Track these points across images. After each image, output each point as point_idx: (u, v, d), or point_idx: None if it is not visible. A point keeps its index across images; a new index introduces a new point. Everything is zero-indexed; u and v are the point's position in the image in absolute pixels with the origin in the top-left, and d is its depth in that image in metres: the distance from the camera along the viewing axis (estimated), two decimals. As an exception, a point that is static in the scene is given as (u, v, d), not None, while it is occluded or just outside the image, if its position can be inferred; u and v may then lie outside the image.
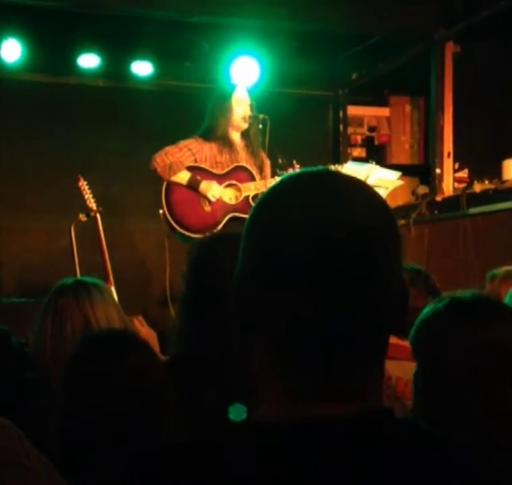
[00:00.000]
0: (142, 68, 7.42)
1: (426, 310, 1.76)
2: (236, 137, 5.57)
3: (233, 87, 5.63)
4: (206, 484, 0.97)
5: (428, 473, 0.97)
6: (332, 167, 5.39)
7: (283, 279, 1.00)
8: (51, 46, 7.23)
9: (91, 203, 5.72)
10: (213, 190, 5.41)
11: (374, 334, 1.04)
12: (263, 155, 5.60)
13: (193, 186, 5.41)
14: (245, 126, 5.52)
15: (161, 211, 5.40)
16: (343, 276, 0.99)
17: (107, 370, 1.93)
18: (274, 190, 1.06)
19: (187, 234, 5.33)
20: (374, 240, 1.01)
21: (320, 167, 1.09)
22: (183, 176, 5.41)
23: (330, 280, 0.98)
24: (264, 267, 1.02)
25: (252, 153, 5.58)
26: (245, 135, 5.59)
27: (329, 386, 1.01)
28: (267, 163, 5.62)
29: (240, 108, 5.49)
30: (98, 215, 5.67)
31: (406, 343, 2.88)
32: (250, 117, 5.50)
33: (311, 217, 1.00)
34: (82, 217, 5.71)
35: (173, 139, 5.55)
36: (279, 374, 1.02)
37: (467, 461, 0.99)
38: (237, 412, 1.04)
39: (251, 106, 5.53)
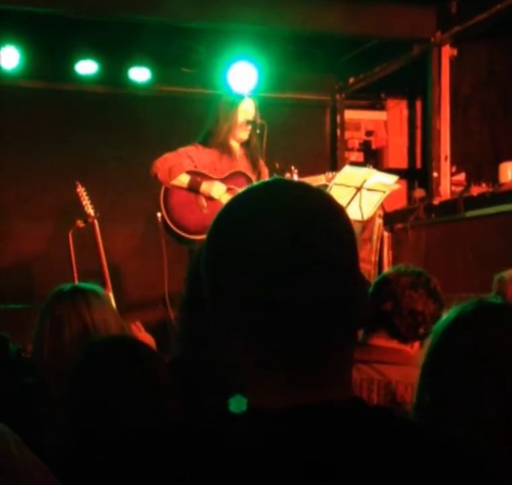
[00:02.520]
0: (140, 74, 7.42)
1: (453, 311, 1.76)
2: (235, 144, 5.56)
3: (241, 98, 5.60)
4: (203, 465, 1.01)
5: (403, 457, 1.01)
6: (330, 174, 5.41)
7: (247, 282, 1.06)
8: (49, 53, 7.26)
9: (89, 209, 5.73)
10: (217, 189, 5.41)
11: (342, 331, 1.09)
12: (262, 163, 5.60)
13: (193, 188, 5.41)
14: (244, 136, 5.50)
15: (159, 214, 5.40)
16: (301, 278, 1.05)
17: (112, 376, 1.93)
18: (234, 201, 1.14)
19: (185, 236, 5.34)
20: (324, 247, 1.06)
21: (278, 178, 1.17)
22: (183, 179, 5.41)
23: (291, 282, 1.04)
24: (229, 272, 1.07)
25: (251, 161, 5.58)
26: (245, 143, 5.58)
27: (306, 378, 1.06)
28: (265, 171, 5.63)
29: (244, 118, 5.47)
30: (96, 221, 5.68)
31: (406, 348, 2.90)
32: (248, 122, 5.48)
33: (265, 225, 1.06)
34: (80, 223, 5.71)
35: (171, 145, 5.55)
36: (262, 368, 1.07)
37: (441, 447, 1.03)
38: (237, 403, 1.07)
39: (255, 116, 5.50)
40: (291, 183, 1.16)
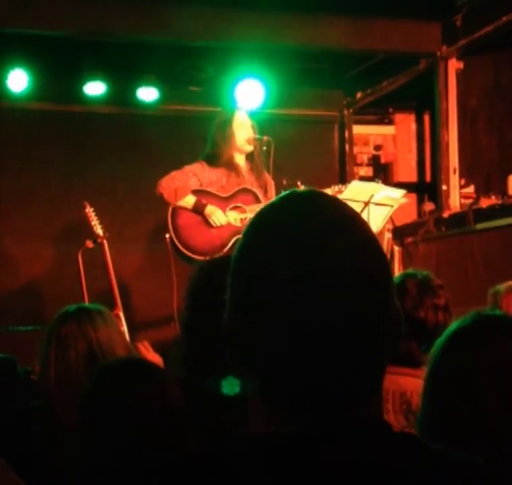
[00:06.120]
0: (148, 94, 7.45)
1: (453, 325, 1.76)
2: (240, 160, 5.56)
3: (233, 111, 5.63)
4: None
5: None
6: (336, 187, 5.40)
7: (268, 315, 1.02)
8: (57, 75, 7.30)
9: (98, 230, 5.74)
10: (218, 216, 5.41)
11: (367, 365, 1.04)
12: (267, 176, 5.60)
13: (198, 210, 5.42)
14: (250, 149, 5.51)
15: (167, 235, 5.40)
16: (326, 315, 1.00)
17: (123, 401, 1.92)
18: (259, 220, 1.09)
19: (194, 256, 5.33)
20: (360, 276, 1.02)
21: (308, 191, 1.10)
22: (189, 200, 5.42)
23: (314, 318, 1.00)
24: (250, 306, 1.04)
25: (257, 175, 5.58)
26: (250, 157, 5.59)
27: (328, 408, 1.02)
28: (272, 183, 5.62)
29: (242, 132, 5.48)
30: (105, 242, 5.69)
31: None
32: (254, 139, 5.50)
33: (294, 255, 1.01)
34: (89, 243, 5.72)
35: (181, 163, 5.56)
36: (272, 403, 1.04)
37: (463, 474, 1.02)
38: (230, 386, 1.05)
39: (253, 128, 5.53)
40: (309, 198, 1.09)
